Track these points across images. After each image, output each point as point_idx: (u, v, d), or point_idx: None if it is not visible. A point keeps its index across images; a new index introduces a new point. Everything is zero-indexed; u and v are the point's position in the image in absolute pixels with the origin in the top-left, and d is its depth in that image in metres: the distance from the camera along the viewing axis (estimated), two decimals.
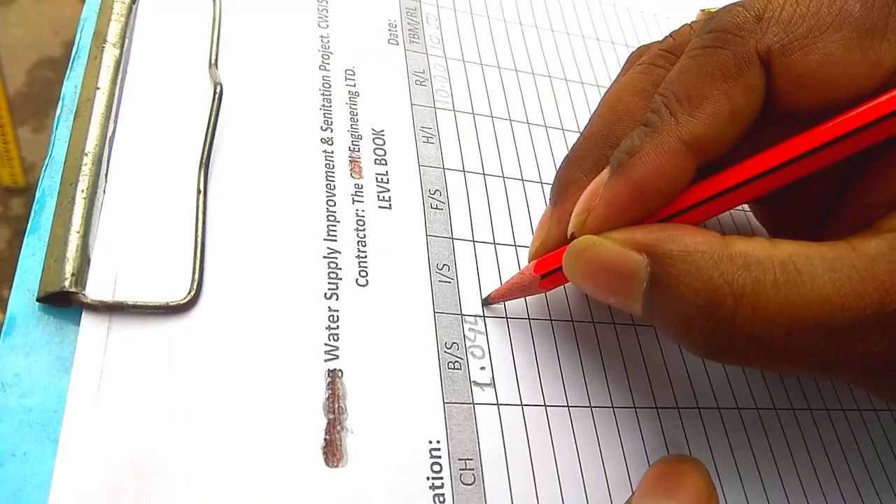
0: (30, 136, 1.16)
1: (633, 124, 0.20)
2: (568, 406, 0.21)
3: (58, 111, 0.22)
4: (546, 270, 0.21)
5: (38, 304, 0.19)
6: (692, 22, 0.23)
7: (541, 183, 0.26)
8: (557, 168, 0.22)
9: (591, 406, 0.22)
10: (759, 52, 0.18)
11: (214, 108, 0.22)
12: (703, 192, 0.19)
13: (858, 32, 0.18)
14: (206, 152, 0.22)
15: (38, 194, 0.20)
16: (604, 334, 0.23)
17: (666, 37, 0.22)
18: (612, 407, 0.22)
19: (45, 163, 0.21)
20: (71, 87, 0.22)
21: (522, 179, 0.26)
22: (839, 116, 0.18)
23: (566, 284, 0.24)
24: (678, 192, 0.19)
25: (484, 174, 0.26)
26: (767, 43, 0.18)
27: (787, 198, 0.22)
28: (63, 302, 0.19)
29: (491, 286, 0.23)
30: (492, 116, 0.27)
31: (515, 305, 0.23)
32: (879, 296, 0.16)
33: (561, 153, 0.27)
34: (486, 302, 0.23)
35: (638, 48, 0.24)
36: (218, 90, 0.22)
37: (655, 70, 0.22)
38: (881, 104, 0.17)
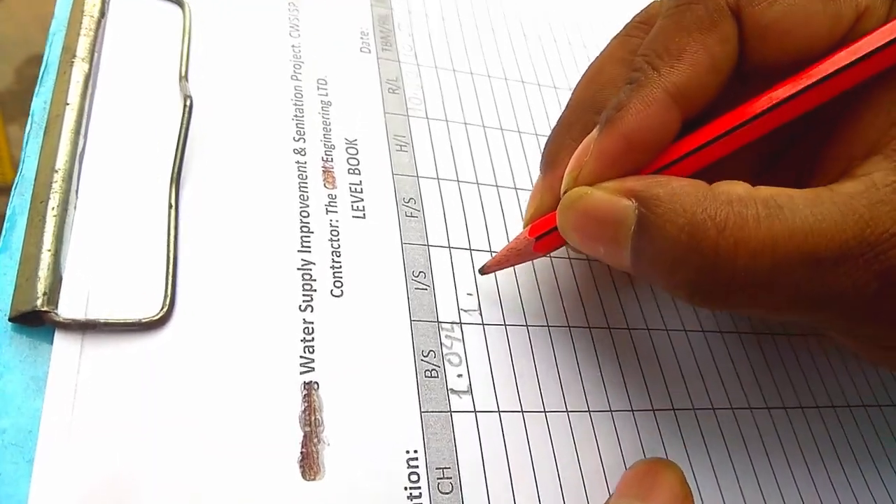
0: (18, 133, 1.14)
1: (615, 91, 0.21)
2: (545, 412, 0.22)
3: (27, 128, 0.22)
4: (540, 233, 0.21)
5: (10, 323, 0.19)
6: None
7: (515, 189, 0.26)
8: (546, 139, 0.23)
9: (567, 411, 0.22)
10: (729, 4, 0.19)
11: (185, 122, 0.22)
12: (688, 144, 0.20)
13: None
14: (176, 167, 0.22)
15: (8, 212, 0.20)
16: (579, 338, 0.23)
17: (640, 10, 0.23)
18: (589, 411, 0.22)
19: (16, 180, 0.21)
20: (40, 103, 0.22)
21: (497, 185, 0.26)
22: (808, 68, 0.19)
23: (541, 287, 0.24)
24: (666, 144, 0.20)
25: (458, 181, 0.26)
26: None
27: (766, 167, 0.23)
28: (35, 321, 0.19)
29: (467, 294, 0.23)
30: (465, 123, 0.28)
31: (492, 312, 0.23)
32: (860, 228, 0.17)
33: (535, 157, 0.27)
34: (482, 271, 0.23)
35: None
36: (188, 103, 0.22)
37: (632, 40, 0.22)
38: (843, 55, 0.19)
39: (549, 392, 0.22)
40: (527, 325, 0.23)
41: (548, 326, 0.23)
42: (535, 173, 0.27)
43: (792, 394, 0.25)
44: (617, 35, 0.23)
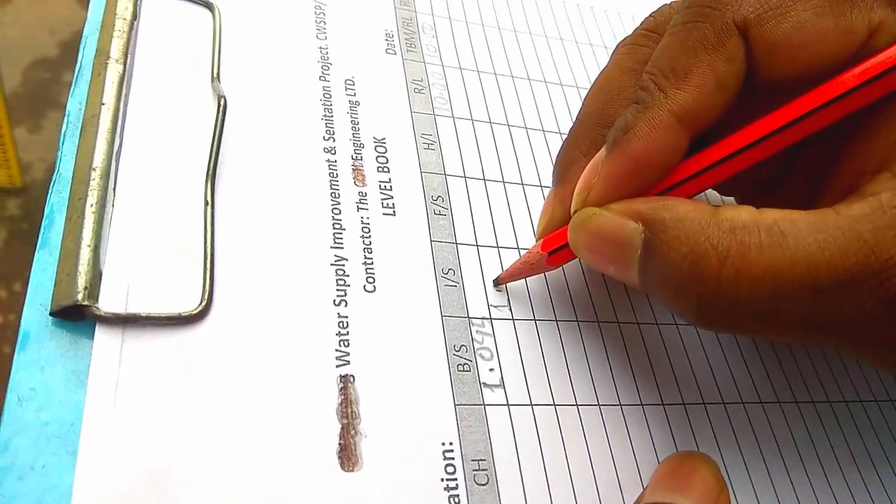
0: (25, 136, 1.15)
1: (623, 103, 0.21)
2: (577, 405, 0.22)
3: (63, 128, 0.22)
4: (553, 248, 0.22)
5: (51, 318, 0.19)
6: (672, 2, 0.24)
7: (540, 186, 0.27)
8: (557, 152, 0.23)
9: (599, 404, 0.22)
10: (737, 22, 0.19)
11: (219, 121, 0.22)
12: (696, 165, 0.20)
13: (829, 1, 0.19)
14: (212, 164, 0.22)
15: (46, 210, 0.21)
16: (609, 333, 0.24)
17: (647, 17, 0.23)
18: (620, 405, 0.22)
19: (53, 179, 0.21)
20: (75, 104, 0.23)
21: (522, 183, 0.26)
22: (818, 87, 0.19)
23: (569, 283, 0.24)
24: (673, 165, 0.20)
25: (485, 179, 0.26)
26: (743, 13, 0.19)
27: (775, 187, 0.23)
28: (76, 316, 0.19)
29: (496, 290, 0.23)
30: (490, 122, 0.28)
31: (521, 307, 0.23)
32: (864, 254, 0.16)
33: None
34: (496, 283, 0.23)
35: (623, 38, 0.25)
36: (222, 103, 0.23)
37: (640, 49, 0.22)
38: (856, 75, 0.18)
39: (580, 386, 0.22)
40: (556, 321, 0.23)
41: (577, 321, 0.23)
42: None
43: (819, 388, 0.25)
44: (623, 43, 0.23)
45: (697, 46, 0.19)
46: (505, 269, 0.23)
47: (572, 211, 0.21)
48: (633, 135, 0.19)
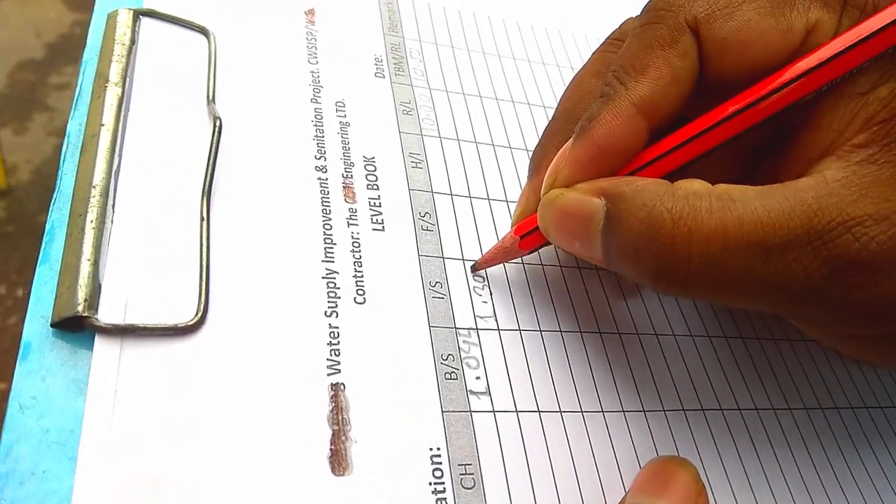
0: (11, 138, 1.16)
1: (592, 101, 0.23)
2: (560, 412, 0.22)
3: (63, 147, 0.23)
4: (524, 231, 0.23)
5: (52, 329, 0.20)
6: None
7: None
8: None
9: (582, 411, 0.23)
10: (688, 21, 0.21)
11: (215, 141, 0.23)
12: (655, 151, 0.21)
13: (770, 2, 0.21)
14: (207, 182, 0.23)
15: (47, 227, 0.21)
16: (591, 343, 0.24)
17: (616, 28, 0.25)
18: (602, 411, 0.23)
19: (53, 197, 0.22)
20: (76, 125, 0.24)
21: (507, 200, 0.27)
22: (761, 80, 0.20)
23: (553, 294, 0.25)
24: (635, 151, 0.21)
25: (470, 196, 0.27)
26: (694, 13, 0.21)
27: (745, 175, 0.24)
28: (76, 327, 0.19)
29: (482, 302, 0.24)
30: (475, 142, 0.29)
31: (506, 318, 0.24)
32: (808, 217, 0.18)
33: None
34: (474, 269, 0.25)
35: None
36: (217, 124, 0.24)
37: (607, 55, 0.25)
38: (795, 69, 0.20)
39: (563, 393, 0.23)
40: (540, 331, 0.24)
41: (560, 331, 0.24)
42: None
43: (796, 396, 0.26)
44: (596, 50, 0.25)
45: (654, 44, 0.21)
46: (482, 255, 0.25)
47: (542, 194, 0.22)
48: (597, 123, 0.21)
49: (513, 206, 0.27)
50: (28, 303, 0.20)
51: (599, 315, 0.25)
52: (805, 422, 0.25)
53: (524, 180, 0.28)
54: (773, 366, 0.26)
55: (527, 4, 0.36)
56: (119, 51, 0.25)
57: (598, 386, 0.23)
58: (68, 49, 1.44)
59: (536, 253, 0.26)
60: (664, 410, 0.24)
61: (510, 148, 0.29)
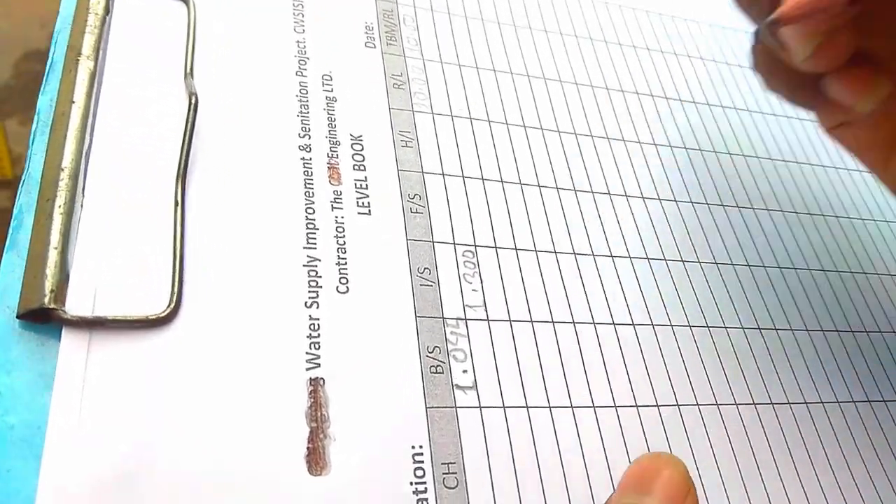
0: (16, 128, 1.15)
1: None
2: (549, 407, 0.22)
3: (33, 126, 0.22)
4: None
5: (18, 321, 0.19)
6: None
7: (520, 184, 0.26)
8: None
9: (572, 406, 0.22)
10: None
11: (190, 120, 0.22)
12: None
13: None
14: (182, 164, 0.22)
15: (15, 211, 0.20)
16: (584, 334, 0.23)
17: None
18: (594, 406, 0.22)
19: (22, 178, 0.21)
20: (46, 102, 0.22)
21: (502, 181, 0.26)
22: None
23: (546, 281, 0.24)
24: None
25: (463, 177, 0.26)
26: None
27: None
28: (43, 318, 0.19)
29: (472, 290, 0.23)
30: (470, 118, 0.27)
31: (497, 307, 0.23)
32: None
33: (540, 152, 0.27)
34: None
35: None
36: (193, 101, 0.22)
37: None
38: None
39: (553, 388, 0.22)
40: (532, 321, 0.23)
41: (552, 322, 0.23)
42: (541, 169, 0.27)
43: (796, 391, 0.25)
44: None
45: None
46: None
47: None
48: None
49: (508, 187, 0.26)
50: None
51: (594, 305, 0.24)
52: (805, 418, 0.24)
53: (521, 158, 0.27)
54: (773, 360, 0.25)
55: None
56: (92, 21, 0.24)
57: (590, 380, 0.23)
58: None
59: (530, 237, 0.25)
60: (657, 405, 0.23)
61: (506, 124, 0.28)
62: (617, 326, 0.24)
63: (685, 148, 0.31)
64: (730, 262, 0.28)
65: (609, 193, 0.28)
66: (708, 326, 0.25)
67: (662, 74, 0.33)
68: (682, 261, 0.27)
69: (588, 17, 0.34)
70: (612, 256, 0.26)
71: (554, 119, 0.29)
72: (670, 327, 0.25)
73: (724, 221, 0.29)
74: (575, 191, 0.27)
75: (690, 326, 0.25)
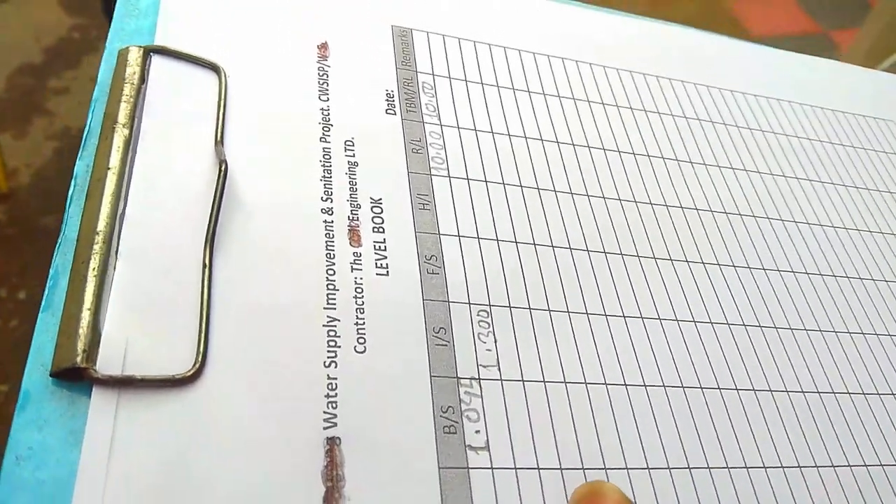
0: (11, 142, 1.18)
1: None
2: (560, 469, 0.22)
3: (70, 190, 0.23)
4: None
5: (51, 379, 0.20)
6: None
7: (533, 244, 0.27)
8: None
9: (583, 468, 0.22)
10: None
11: (219, 186, 0.23)
12: None
13: None
14: (211, 228, 0.23)
15: (51, 272, 0.22)
16: (596, 395, 0.24)
17: None
18: (605, 468, 0.22)
19: (59, 240, 0.22)
20: (83, 167, 0.24)
21: (516, 241, 0.27)
22: None
23: (559, 342, 0.25)
24: None
25: (478, 237, 0.27)
26: None
27: None
28: (75, 377, 0.20)
29: (486, 350, 0.24)
30: (485, 181, 0.28)
31: (510, 367, 0.24)
32: None
33: (553, 213, 0.28)
34: None
35: None
36: (223, 168, 0.24)
37: None
38: None
39: (565, 450, 0.22)
40: (544, 382, 0.24)
41: (565, 383, 0.24)
42: (553, 230, 0.28)
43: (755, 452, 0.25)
44: None
45: None
46: None
47: None
48: None
49: (522, 248, 0.27)
50: (31, 342, 0.20)
51: (606, 365, 0.25)
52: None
53: (535, 220, 0.28)
54: (780, 422, 0.26)
55: (543, 37, 0.35)
56: (128, 90, 0.25)
57: (602, 442, 0.23)
58: (67, 53, 1.47)
59: (543, 296, 0.26)
60: (669, 468, 0.23)
61: (521, 186, 0.29)
62: (628, 388, 0.24)
63: (681, 207, 0.31)
64: (741, 323, 0.28)
65: (621, 254, 0.28)
66: (720, 388, 0.26)
67: (644, 131, 0.34)
68: (693, 321, 0.27)
69: (600, 82, 0.35)
70: (623, 317, 0.26)
71: (567, 181, 0.30)
72: (682, 389, 0.25)
73: (735, 281, 0.29)
74: (588, 251, 0.28)
75: (702, 389, 0.25)
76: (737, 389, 0.26)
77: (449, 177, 0.28)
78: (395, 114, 0.30)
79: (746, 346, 0.27)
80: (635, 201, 0.30)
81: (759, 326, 0.28)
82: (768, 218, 0.33)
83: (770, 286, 0.30)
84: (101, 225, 0.22)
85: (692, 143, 0.34)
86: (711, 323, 0.28)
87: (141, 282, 0.22)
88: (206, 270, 0.22)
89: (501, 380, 0.23)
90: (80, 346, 0.20)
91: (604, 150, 0.32)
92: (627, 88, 0.35)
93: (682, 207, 0.31)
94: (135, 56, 0.26)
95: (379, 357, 0.23)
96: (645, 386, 0.25)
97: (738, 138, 0.35)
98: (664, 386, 0.25)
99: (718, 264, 0.30)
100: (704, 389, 0.25)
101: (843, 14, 1.82)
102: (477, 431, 0.22)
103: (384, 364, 0.23)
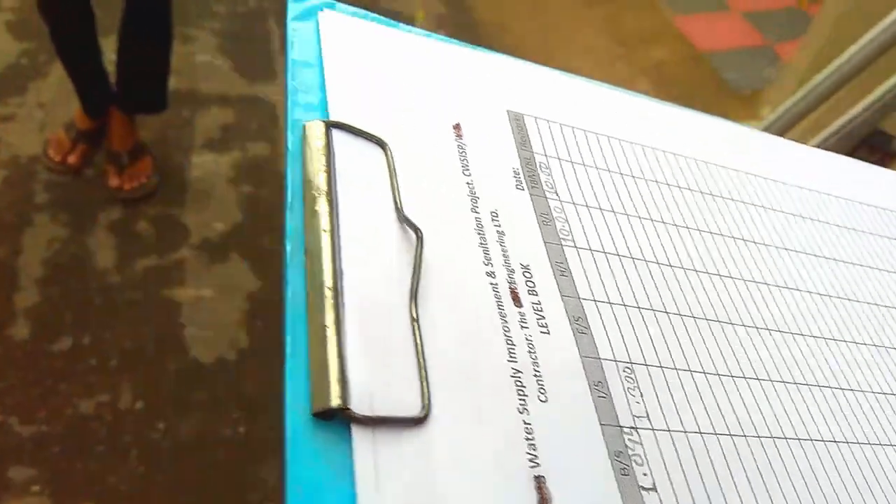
0: None
1: None
2: None
3: (288, 249, 0.26)
4: None
5: (311, 418, 0.22)
6: None
7: (666, 313, 0.31)
8: None
9: None
10: None
11: (419, 251, 0.26)
12: None
13: None
14: (414, 286, 0.26)
15: (287, 323, 0.24)
16: (740, 446, 0.28)
17: None
18: None
19: (287, 295, 0.25)
20: (293, 229, 0.26)
21: (652, 309, 0.31)
22: None
23: (701, 394, 0.28)
24: None
25: (609, 303, 0.31)
26: None
27: None
28: (330, 417, 0.22)
29: (636, 402, 0.27)
30: (617, 254, 0.32)
31: (658, 419, 0.27)
32: None
33: (670, 279, 0.32)
34: None
35: None
36: (420, 235, 0.27)
37: None
38: None
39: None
40: (685, 432, 0.27)
41: (700, 432, 0.28)
42: (678, 299, 0.32)
43: None
44: None
45: None
46: None
47: None
48: None
49: (660, 316, 0.31)
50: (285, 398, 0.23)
51: (740, 417, 0.29)
52: None
53: (660, 288, 0.32)
54: None
55: (634, 130, 0.40)
56: (320, 160, 0.28)
57: (755, 490, 0.27)
58: (14, 79, 1.47)
59: (682, 355, 0.30)
60: None
61: (644, 261, 0.33)
62: (776, 440, 0.28)
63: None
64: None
65: (756, 327, 0.33)
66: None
67: (740, 221, 0.39)
68: (820, 386, 0.32)
69: (695, 173, 0.40)
70: (758, 379, 0.30)
71: (677, 257, 0.34)
72: (836, 444, 0.29)
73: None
74: (720, 322, 0.32)
75: (860, 444, 0.29)
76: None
77: (576, 247, 0.32)
78: (523, 189, 0.33)
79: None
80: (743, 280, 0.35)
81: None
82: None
83: None
84: (329, 281, 0.24)
85: (769, 228, 0.39)
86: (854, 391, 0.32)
87: (367, 332, 0.24)
88: (416, 324, 0.25)
89: (653, 429, 0.27)
90: (335, 390, 0.22)
91: (711, 233, 0.36)
92: (733, 184, 0.40)
93: (798, 290, 0.36)
94: (319, 129, 0.29)
95: (559, 406, 0.26)
96: (798, 440, 0.29)
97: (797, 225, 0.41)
98: (811, 440, 0.29)
99: (868, 345, 0.34)
100: (863, 445, 0.30)
101: (784, 27, 2.01)
102: (644, 474, 0.25)
103: (564, 412, 0.26)
